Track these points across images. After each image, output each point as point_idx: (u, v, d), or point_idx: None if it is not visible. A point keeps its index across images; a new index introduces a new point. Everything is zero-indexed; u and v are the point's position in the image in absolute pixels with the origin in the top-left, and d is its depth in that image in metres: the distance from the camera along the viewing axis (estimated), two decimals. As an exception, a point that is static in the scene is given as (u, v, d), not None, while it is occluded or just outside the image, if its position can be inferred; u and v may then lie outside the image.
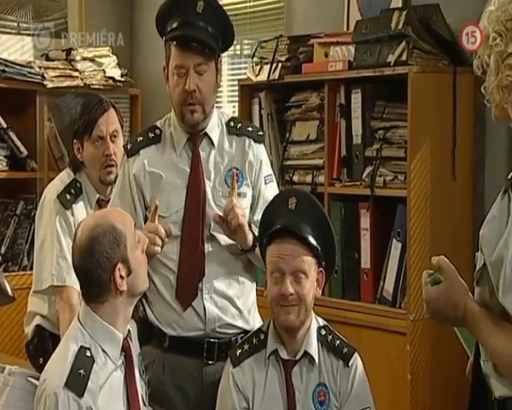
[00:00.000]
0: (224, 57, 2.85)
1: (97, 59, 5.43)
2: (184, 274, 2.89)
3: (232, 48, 5.01)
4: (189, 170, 2.93)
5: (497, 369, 1.98)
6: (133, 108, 5.62)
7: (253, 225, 2.93)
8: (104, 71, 5.42)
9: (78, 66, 5.33)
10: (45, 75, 5.18)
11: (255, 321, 2.98)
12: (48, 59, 5.43)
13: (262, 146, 3.05)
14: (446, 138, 3.85)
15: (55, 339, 3.22)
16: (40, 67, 5.23)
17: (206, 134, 2.96)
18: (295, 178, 4.34)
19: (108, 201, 3.40)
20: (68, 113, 5.37)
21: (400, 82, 3.78)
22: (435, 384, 3.81)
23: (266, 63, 4.42)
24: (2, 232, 5.20)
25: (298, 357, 2.77)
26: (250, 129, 3.04)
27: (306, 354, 2.77)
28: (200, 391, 2.90)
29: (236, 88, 4.72)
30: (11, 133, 5.15)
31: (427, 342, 3.78)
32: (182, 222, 2.90)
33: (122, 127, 3.51)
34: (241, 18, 4.96)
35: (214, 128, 2.98)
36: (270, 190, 3.02)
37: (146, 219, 2.94)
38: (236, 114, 4.61)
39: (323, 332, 2.82)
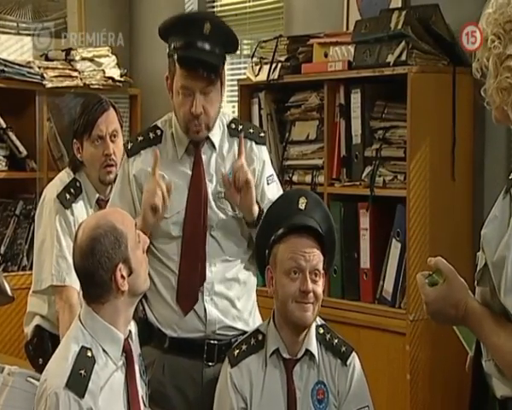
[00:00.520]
0: (225, 71, 2.85)
1: (97, 59, 5.43)
2: (185, 275, 2.89)
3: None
4: (190, 173, 2.93)
5: (499, 369, 1.98)
6: (132, 108, 5.61)
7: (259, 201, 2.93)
8: (103, 71, 5.42)
9: (78, 66, 5.33)
10: (45, 75, 5.18)
11: (255, 323, 2.97)
12: (47, 59, 5.42)
13: (264, 147, 3.04)
14: (446, 138, 3.85)
15: (55, 339, 3.22)
16: (39, 67, 5.23)
17: (207, 137, 2.95)
18: (295, 178, 4.34)
19: (108, 200, 3.40)
20: (68, 113, 5.37)
21: (400, 82, 3.78)
22: (435, 384, 3.81)
23: (266, 63, 4.42)
24: (1, 232, 5.20)
25: (299, 356, 2.78)
26: (251, 131, 3.04)
27: (307, 352, 2.78)
28: (200, 393, 2.90)
29: (236, 88, 4.72)
30: (10, 133, 5.15)
31: (427, 342, 3.78)
32: (183, 223, 2.90)
33: (122, 127, 3.51)
34: (240, 18, 4.96)
35: (216, 131, 2.97)
36: (273, 190, 3.02)
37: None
38: (236, 114, 4.61)
39: (322, 331, 2.83)
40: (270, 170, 3.05)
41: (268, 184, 3.02)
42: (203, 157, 2.95)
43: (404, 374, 3.77)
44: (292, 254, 2.73)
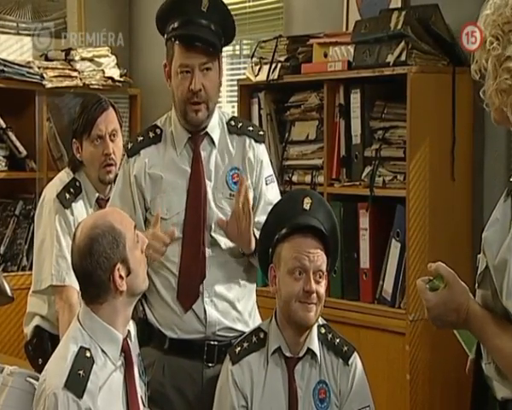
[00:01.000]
0: (224, 57, 2.84)
1: (96, 59, 5.43)
2: (185, 277, 2.89)
3: (231, 48, 5.06)
4: (189, 170, 2.93)
5: (500, 371, 1.98)
6: (132, 108, 5.61)
7: (254, 229, 2.92)
8: (103, 71, 5.42)
9: (78, 66, 5.33)
10: (44, 75, 5.18)
11: (255, 324, 2.96)
12: (47, 59, 5.42)
13: (263, 146, 3.04)
14: (445, 139, 3.85)
15: (55, 340, 3.22)
16: (39, 67, 5.23)
17: (207, 133, 2.95)
18: (294, 179, 4.34)
19: (108, 200, 3.40)
20: (67, 113, 5.37)
21: (399, 82, 3.78)
22: (434, 384, 3.81)
23: (265, 63, 4.42)
24: (1, 232, 5.19)
25: (301, 354, 2.78)
26: (251, 128, 3.04)
27: (309, 351, 2.78)
28: (200, 393, 2.90)
29: (236, 88, 4.72)
30: (10, 133, 5.14)
31: (427, 342, 3.78)
32: (183, 224, 2.90)
33: (121, 127, 3.51)
34: (240, 18, 4.96)
35: (215, 128, 2.97)
36: (271, 191, 3.02)
37: (146, 221, 2.94)
38: (236, 114, 4.61)
39: (323, 331, 2.84)
40: (269, 170, 3.05)
41: (267, 184, 3.01)
42: (202, 153, 2.94)
43: (403, 374, 3.77)
44: (296, 254, 2.73)
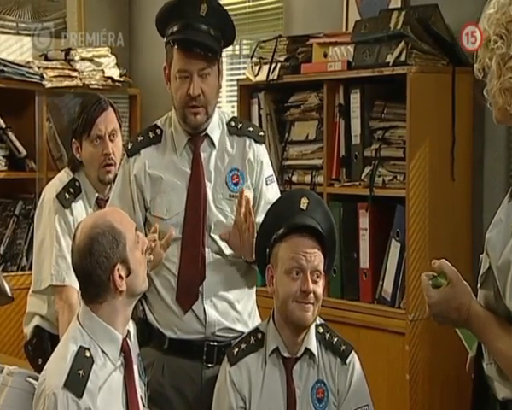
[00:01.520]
0: (224, 57, 2.84)
1: (96, 59, 5.43)
2: (185, 277, 2.89)
3: (231, 48, 5.05)
4: (189, 171, 2.92)
5: (501, 372, 1.98)
6: (132, 108, 5.61)
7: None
8: (103, 71, 5.42)
9: (77, 66, 5.33)
10: (44, 75, 5.18)
11: (255, 324, 2.96)
12: (47, 59, 5.42)
13: (263, 146, 3.03)
14: (445, 138, 3.85)
15: (54, 340, 3.21)
16: (39, 67, 5.23)
17: (206, 135, 2.95)
18: (294, 179, 4.34)
19: (107, 200, 3.40)
20: (67, 113, 5.37)
21: (399, 82, 3.78)
22: (434, 384, 3.81)
23: (265, 63, 4.42)
24: (0, 232, 5.19)
25: (299, 354, 2.78)
26: (251, 129, 3.03)
27: (307, 351, 2.78)
28: (199, 394, 2.90)
29: (235, 88, 4.72)
30: (10, 133, 5.14)
31: (426, 342, 3.78)
32: (183, 225, 2.89)
33: (120, 126, 3.51)
34: (240, 18, 4.96)
35: (215, 128, 2.97)
36: (272, 191, 3.02)
37: (145, 221, 2.94)
38: (235, 114, 4.61)
39: (321, 330, 2.83)
40: (269, 170, 3.04)
41: (267, 184, 3.01)
42: (202, 155, 2.94)
43: (403, 374, 3.77)
44: (293, 254, 2.73)
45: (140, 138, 2.98)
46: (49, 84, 5.18)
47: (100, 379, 2.43)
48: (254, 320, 3.00)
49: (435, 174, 3.82)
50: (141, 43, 5.82)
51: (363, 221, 3.99)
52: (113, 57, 5.49)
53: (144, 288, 2.58)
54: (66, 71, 5.29)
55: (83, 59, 5.37)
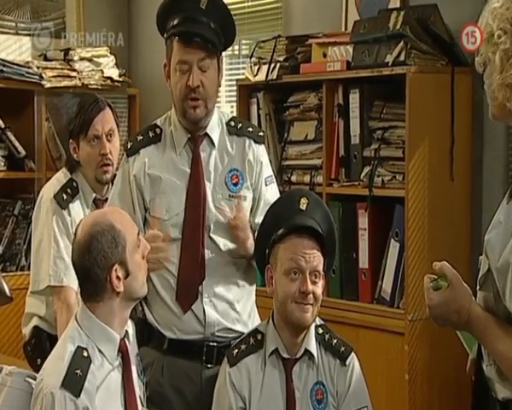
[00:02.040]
0: (223, 57, 2.85)
1: (95, 59, 5.43)
2: (185, 277, 2.88)
3: (230, 48, 5.04)
4: (189, 171, 2.92)
5: (501, 373, 1.97)
6: (131, 108, 5.60)
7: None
8: (102, 71, 5.42)
9: (76, 66, 5.33)
10: (43, 75, 5.18)
11: (254, 324, 2.96)
12: (46, 59, 5.42)
13: (262, 147, 3.03)
14: (444, 138, 3.85)
15: (53, 340, 3.20)
16: (38, 67, 5.23)
17: (206, 134, 2.95)
18: (293, 179, 4.34)
19: (105, 200, 3.40)
20: (66, 113, 5.36)
21: (398, 82, 3.78)
22: (433, 384, 3.81)
23: (264, 63, 4.42)
24: (0, 232, 5.19)
25: (298, 355, 2.78)
26: (250, 129, 3.03)
27: (306, 352, 2.78)
28: (199, 394, 2.90)
29: (235, 88, 4.72)
30: (9, 133, 5.14)
31: (425, 342, 3.78)
32: (182, 225, 2.89)
33: (118, 126, 3.51)
34: (239, 18, 4.95)
35: (215, 128, 2.96)
36: (271, 192, 3.01)
37: (145, 221, 2.94)
38: (235, 114, 4.61)
39: (321, 331, 2.83)
40: (268, 171, 3.04)
41: (266, 185, 3.01)
42: (202, 154, 2.94)
43: (402, 374, 3.77)
44: (292, 255, 2.73)
45: (139, 138, 2.98)
46: (48, 84, 5.17)
47: (97, 379, 2.42)
48: (254, 321, 2.99)
49: (434, 174, 3.82)
50: (140, 44, 5.82)
51: (363, 221, 3.99)
52: (113, 57, 5.49)
53: (143, 292, 2.56)
54: (66, 71, 5.29)
55: (82, 59, 5.36)
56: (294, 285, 2.72)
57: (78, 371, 2.39)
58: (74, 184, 3.44)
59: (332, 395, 2.78)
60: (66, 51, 5.39)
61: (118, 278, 2.45)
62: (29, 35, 5.57)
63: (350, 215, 4.05)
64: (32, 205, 4.84)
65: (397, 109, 3.88)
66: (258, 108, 4.51)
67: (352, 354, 2.82)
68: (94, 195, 3.46)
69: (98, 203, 3.43)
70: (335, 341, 2.83)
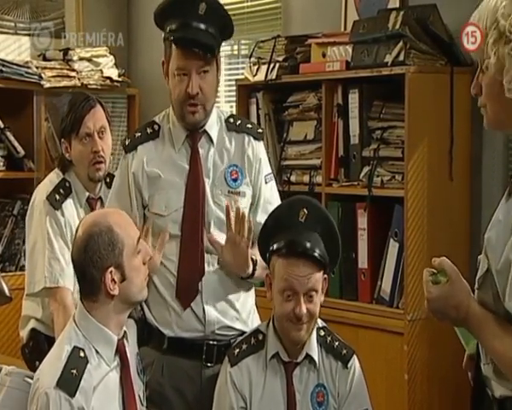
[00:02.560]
0: (222, 57, 2.84)
1: (94, 59, 5.43)
2: (184, 274, 2.88)
3: (230, 48, 5.05)
4: (187, 167, 2.92)
5: (498, 371, 1.97)
6: (130, 108, 5.60)
7: (252, 255, 2.89)
8: (101, 71, 5.42)
9: (76, 66, 5.33)
10: (42, 75, 5.18)
11: (254, 323, 2.96)
12: (45, 59, 5.42)
13: (261, 143, 3.03)
14: (443, 138, 3.85)
15: (51, 342, 3.19)
16: (37, 67, 5.23)
17: (205, 131, 2.94)
18: (293, 179, 4.33)
19: (98, 199, 3.40)
20: (65, 113, 5.36)
21: (398, 82, 3.78)
22: (432, 384, 3.81)
23: (264, 63, 4.42)
24: (-1, 232, 5.20)
25: (299, 359, 2.77)
26: (249, 126, 3.03)
27: (307, 356, 2.77)
28: (199, 393, 2.89)
29: (234, 88, 4.71)
30: (8, 133, 5.14)
31: (425, 342, 3.78)
32: (181, 221, 2.89)
33: (109, 123, 3.49)
34: (238, 18, 4.95)
35: (213, 125, 2.96)
36: (271, 190, 3.01)
37: (144, 218, 2.93)
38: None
39: (322, 333, 2.82)
40: (267, 168, 3.04)
41: (266, 182, 3.00)
42: (200, 151, 2.93)
43: (401, 374, 3.77)
44: (287, 277, 2.69)
45: (137, 134, 2.98)
46: (47, 84, 5.17)
47: (94, 379, 2.42)
48: (253, 319, 2.99)
49: (434, 174, 3.82)
50: (139, 43, 5.82)
51: (362, 221, 3.99)
52: (112, 57, 5.49)
53: (142, 297, 2.56)
54: (65, 71, 5.29)
55: (81, 59, 5.37)
56: (289, 306, 2.69)
57: (74, 371, 2.38)
58: (67, 184, 3.43)
59: (333, 396, 2.77)
60: (66, 51, 5.39)
61: (113, 281, 2.44)
62: (28, 35, 5.57)
63: (349, 215, 4.05)
64: (32, 205, 4.86)
65: (396, 109, 3.88)
66: (258, 108, 4.50)
67: (354, 356, 2.81)
68: (87, 194, 3.44)
69: (92, 202, 3.43)
70: (337, 343, 2.82)
